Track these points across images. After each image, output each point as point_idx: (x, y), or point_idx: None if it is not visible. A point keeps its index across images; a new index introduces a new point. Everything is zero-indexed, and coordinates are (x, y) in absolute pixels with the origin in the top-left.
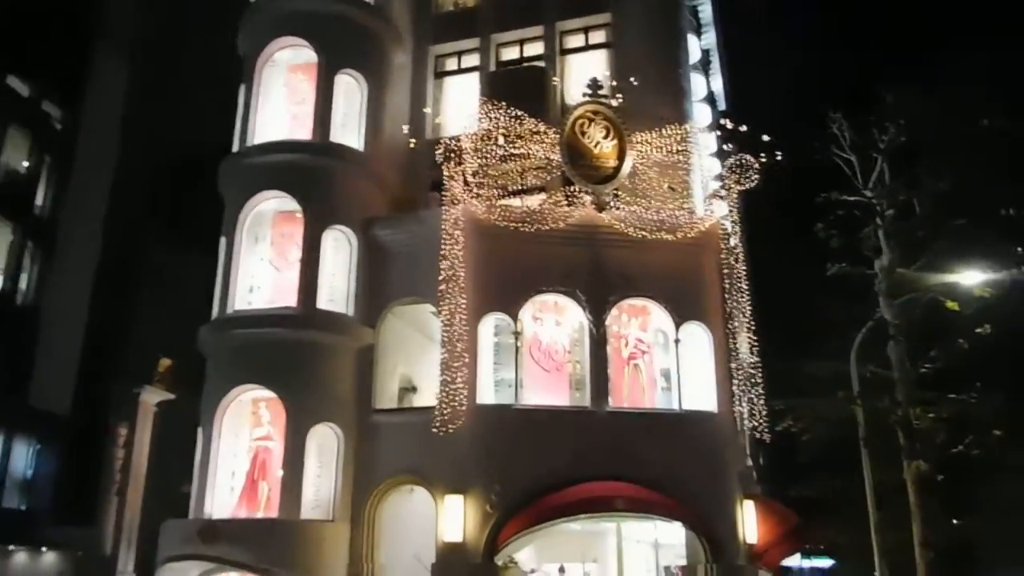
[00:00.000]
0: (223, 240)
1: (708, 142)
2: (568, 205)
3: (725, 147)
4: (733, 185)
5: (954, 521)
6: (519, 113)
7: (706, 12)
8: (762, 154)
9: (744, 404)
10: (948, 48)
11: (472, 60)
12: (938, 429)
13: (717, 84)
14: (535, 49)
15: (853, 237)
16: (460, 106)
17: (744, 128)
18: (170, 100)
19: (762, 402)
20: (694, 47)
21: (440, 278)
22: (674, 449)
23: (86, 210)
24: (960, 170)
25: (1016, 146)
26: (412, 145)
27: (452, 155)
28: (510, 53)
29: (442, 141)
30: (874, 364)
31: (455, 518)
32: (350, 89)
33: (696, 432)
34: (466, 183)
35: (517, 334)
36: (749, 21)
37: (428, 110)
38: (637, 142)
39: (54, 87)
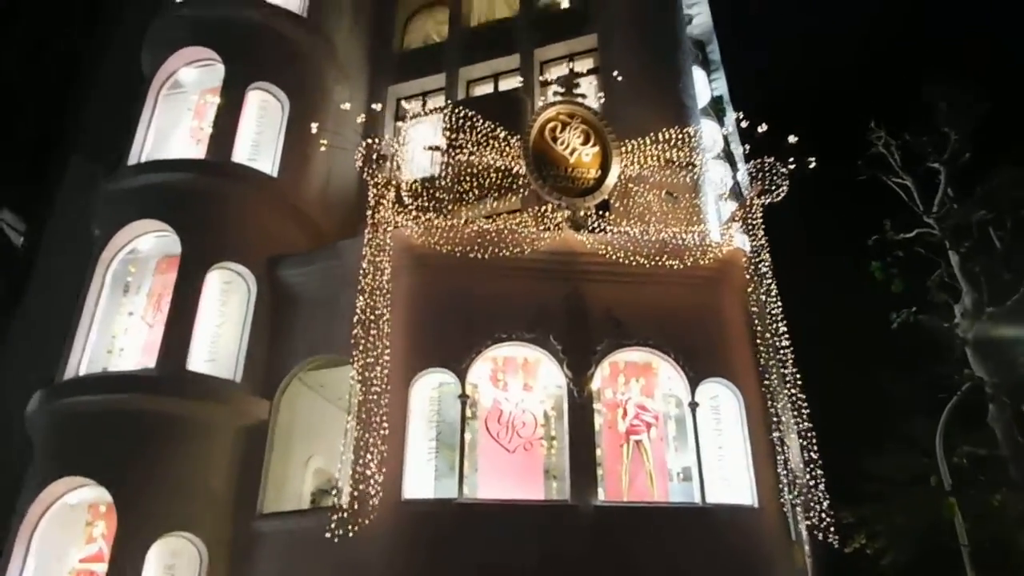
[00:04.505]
0: (82, 290)
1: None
2: (536, 225)
3: (742, 149)
4: (755, 198)
5: None
6: (477, 117)
7: (715, 52)
8: (791, 159)
9: (796, 493)
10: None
11: (438, 101)
12: None
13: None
14: (511, 83)
15: (917, 278)
16: (423, 153)
17: (764, 128)
18: None
19: (822, 488)
20: (703, 89)
21: (355, 319)
22: (695, 561)
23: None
24: None
25: None
26: (323, 146)
27: (379, 161)
28: (482, 89)
29: (367, 144)
30: (968, 445)
31: None
32: (268, 109)
33: (727, 536)
34: (399, 200)
35: (465, 399)
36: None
37: (389, 163)
38: (627, 151)
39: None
